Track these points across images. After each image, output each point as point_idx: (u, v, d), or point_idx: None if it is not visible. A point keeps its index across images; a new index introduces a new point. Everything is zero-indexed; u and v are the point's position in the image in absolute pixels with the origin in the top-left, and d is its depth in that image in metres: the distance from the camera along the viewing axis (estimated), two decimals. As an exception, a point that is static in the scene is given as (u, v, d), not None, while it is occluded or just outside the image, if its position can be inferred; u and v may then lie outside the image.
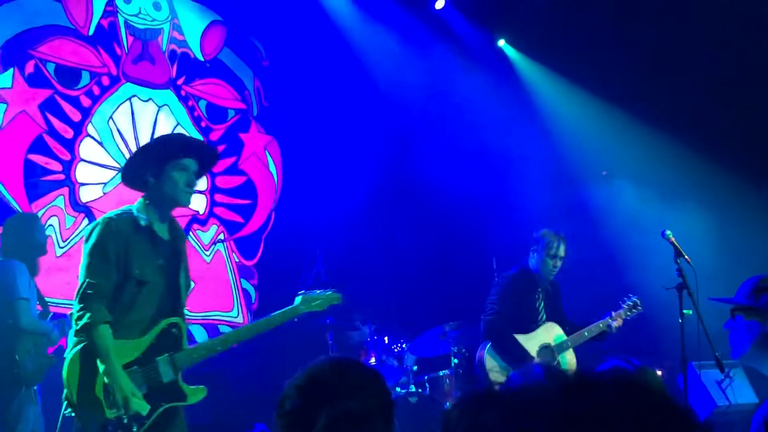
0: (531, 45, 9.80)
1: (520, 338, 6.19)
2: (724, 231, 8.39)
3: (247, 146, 8.50)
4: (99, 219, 4.10)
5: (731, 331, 3.00)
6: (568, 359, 6.30)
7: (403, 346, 7.47)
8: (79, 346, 3.88)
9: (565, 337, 6.31)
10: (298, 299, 4.65)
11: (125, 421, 3.79)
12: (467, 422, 0.74)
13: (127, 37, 7.83)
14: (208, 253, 8.00)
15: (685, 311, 5.44)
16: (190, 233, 7.88)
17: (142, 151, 4.25)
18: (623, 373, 0.75)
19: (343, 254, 8.12)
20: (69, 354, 3.91)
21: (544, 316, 6.41)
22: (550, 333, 6.35)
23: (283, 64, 8.66)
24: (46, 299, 6.11)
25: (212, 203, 8.11)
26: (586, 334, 6.26)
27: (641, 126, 9.05)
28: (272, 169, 8.62)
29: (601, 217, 8.87)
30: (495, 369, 6.15)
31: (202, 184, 8.08)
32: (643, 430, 0.69)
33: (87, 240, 4.01)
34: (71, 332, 3.94)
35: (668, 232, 5.78)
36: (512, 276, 6.45)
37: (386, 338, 7.51)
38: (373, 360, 7.26)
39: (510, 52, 10.03)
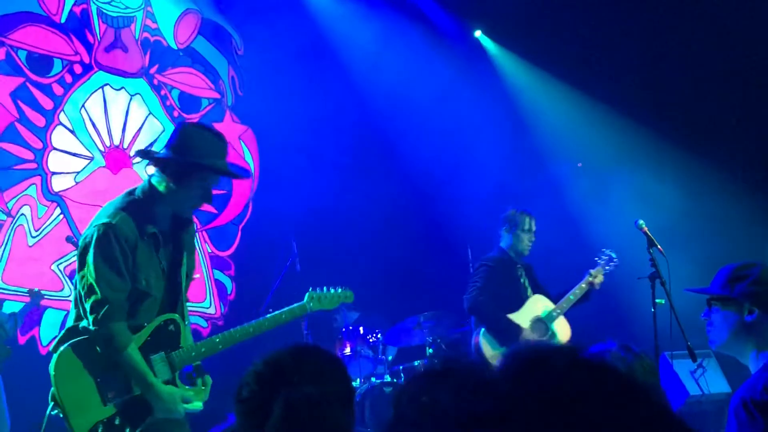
0: (507, 36, 9.80)
1: (511, 317, 6.19)
2: (696, 216, 8.46)
3: (221, 136, 8.43)
4: (97, 225, 3.67)
5: (708, 322, 3.01)
6: (560, 328, 6.32)
7: (378, 336, 7.46)
8: (66, 344, 3.66)
9: (552, 306, 6.33)
10: (307, 296, 4.47)
11: (117, 422, 3.61)
12: (419, 400, 0.71)
13: (99, 25, 7.74)
14: (180, 243, 7.93)
15: (657, 301, 5.47)
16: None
17: (188, 146, 3.73)
18: (583, 354, 0.73)
19: (317, 244, 8.10)
20: (57, 351, 3.68)
21: (530, 292, 6.43)
22: (538, 305, 6.36)
23: (258, 53, 8.60)
24: (16, 289, 6.05)
25: (185, 193, 8.04)
26: (571, 297, 6.28)
27: (615, 115, 9.10)
28: (248, 158, 8.56)
29: (575, 206, 8.90)
30: (494, 356, 6.16)
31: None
32: (598, 413, 0.66)
33: (87, 249, 3.65)
34: (63, 331, 3.75)
35: (641, 221, 5.81)
36: (491, 258, 6.46)
37: (361, 328, 7.50)
38: (348, 350, 7.25)
39: (486, 42, 10.03)
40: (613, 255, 6.50)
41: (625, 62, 8.94)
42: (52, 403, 3.67)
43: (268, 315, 4.24)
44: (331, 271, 7.99)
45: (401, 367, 7.20)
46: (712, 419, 7.18)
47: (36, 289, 6.60)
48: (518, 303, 6.29)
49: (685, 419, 0.76)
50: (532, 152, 9.47)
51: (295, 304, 4.35)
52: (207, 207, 8.21)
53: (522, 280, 6.45)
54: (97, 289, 3.59)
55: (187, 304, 4.03)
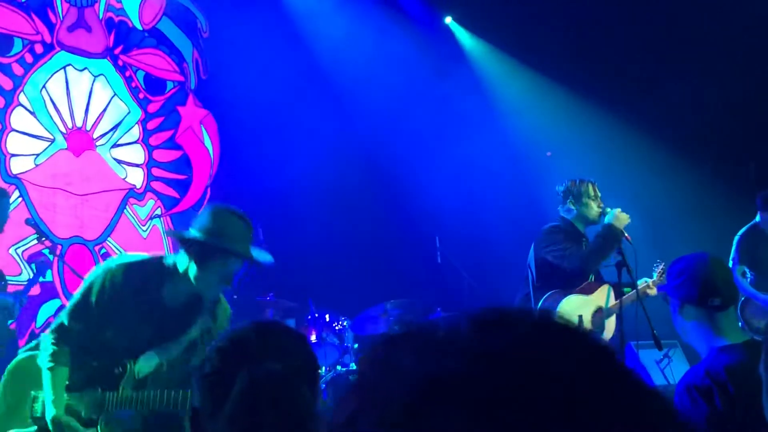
0: (478, 23, 9.77)
1: (577, 300, 5.79)
2: (669, 206, 8.49)
3: (183, 120, 8.30)
4: (102, 266, 3.73)
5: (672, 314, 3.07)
6: (609, 326, 5.87)
7: (344, 323, 7.42)
8: (27, 352, 3.76)
9: (612, 302, 5.86)
10: None
11: None
12: (381, 363, 0.70)
13: (62, 4, 7.57)
14: (144, 228, 7.81)
15: (624, 289, 5.45)
16: (127, 208, 7.68)
17: (215, 229, 3.62)
18: (547, 313, 0.70)
19: (283, 231, 8.01)
20: (18, 356, 3.79)
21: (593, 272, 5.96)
22: (604, 295, 5.91)
23: (223, 37, 8.46)
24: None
25: (149, 177, 7.91)
26: (629, 300, 5.66)
27: (585, 104, 9.10)
28: (208, 144, 8.43)
29: (544, 194, 8.88)
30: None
31: (140, 156, 7.89)
32: (557, 368, 0.65)
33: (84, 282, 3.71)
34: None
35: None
36: (562, 227, 5.96)
37: (327, 316, 7.45)
38: (313, 337, 7.19)
39: (456, 29, 9.98)
40: (665, 267, 5.87)
41: (595, 51, 8.93)
42: None
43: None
44: (296, 259, 7.95)
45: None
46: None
47: (42, 259, 6.51)
48: (580, 283, 5.82)
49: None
50: (503, 141, 9.44)
51: None
52: (170, 191, 8.17)
53: None
54: (65, 315, 3.68)
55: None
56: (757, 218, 7.07)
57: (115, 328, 3.66)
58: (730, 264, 7.13)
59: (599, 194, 6.02)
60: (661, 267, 6.01)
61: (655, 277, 5.99)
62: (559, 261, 5.75)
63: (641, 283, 5.81)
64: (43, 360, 3.60)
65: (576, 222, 5.98)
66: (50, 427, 3.55)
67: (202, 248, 3.61)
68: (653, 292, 5.85)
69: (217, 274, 3.64)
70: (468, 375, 0.65)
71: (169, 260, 3.73)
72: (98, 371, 3.68)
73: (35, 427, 3.65)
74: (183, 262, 3.66)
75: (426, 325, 0.72)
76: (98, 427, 3.64)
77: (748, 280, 7.00)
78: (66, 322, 3.65)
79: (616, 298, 5.81)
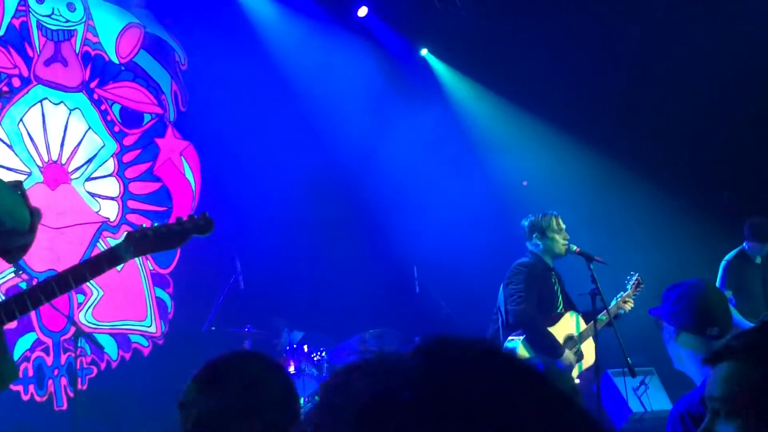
0: (453, 55, 9.87)
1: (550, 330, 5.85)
2: (641, 233, 8.56)
3: (162, 152, 8.30)
4: None
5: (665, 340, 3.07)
6: (587, 350, 5.92)
7: (323, 354, 7.39)
8: None
9: (583, 326, 5.97)
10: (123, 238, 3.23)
11: None
12: (336, 385, 0.78)
13: (39, 38, 7.59)
14: (120, 261, 7.77)
15: (599, 317, 5.49)
16: (101, 241, 7.66)
17: None
18: (489, 342, 0.77)
19: (262, 262, 8.01)
20: None
21: (561, 303, 6.06)
22: (572, 323, 6.01)
23: (202, 69, 8.50)
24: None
25: (125, 210, 7.89)
26: (603, 318, 5.73)
27: (560, 134, 9.19)
28: (189, 175, 8.43)
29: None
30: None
31: (114, 189, 7.87)
32: (488, 390, 0.72)
33: None
34: None
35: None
36: (529, 263, 6.03)
37: (306, 347, 7.42)
38: (292, 368, 7.16)
39: (432, 61, 10.08)
40: (640, 278, 6.16)
41: (571, 81, 9.04)
42: None
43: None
44: (275, 289, 7.95)
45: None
46: (655, 436, 7.24)
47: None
48: (549, 316, 5.92)
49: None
50: (480, 171, 9.52)
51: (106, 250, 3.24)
52: (148, 223, 8.11)
53: (556, 288, 6.07)
54: None
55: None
56: (744, 245, 7.20)
57: None
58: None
59: (563, 226, 6.09)
60: (635, 278, 6.10)
61: (629, 290, 6.07)
62: (509, 302, 5.85)
63: (616, 300, 5.89)
64: None
65: (544, 256, 6.07)
66: None
67: None
68: (629, 305, 5.94)
69: None
70: (410, 395, 0.72)
71: None
72: None
73: None
74: None
75: (380, 352, 0.81)
76: None
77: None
78: None
79: (586, 323, 5.89)
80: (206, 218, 3.37)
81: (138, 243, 3.17)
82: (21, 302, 2.98)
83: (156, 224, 3.25)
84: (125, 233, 3.25)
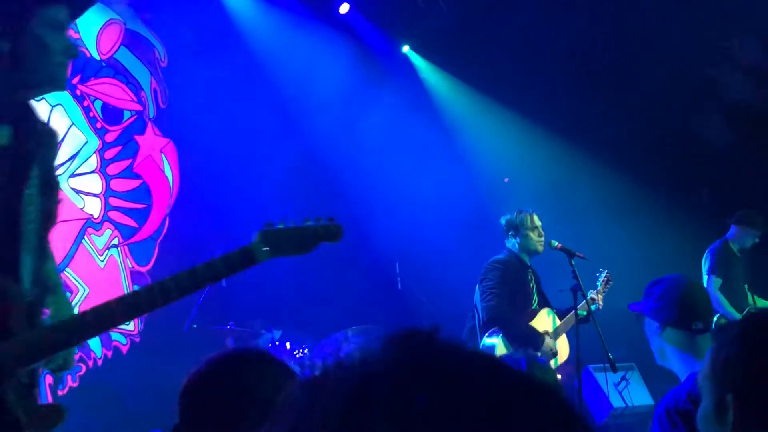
0: (435, 51, 9.88)
1: None
2: (621, 233, 8.61)
3: (142, 149, 8.25)
4: None
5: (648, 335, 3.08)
6: (561, 345, 6.03)
7: (306, 351, 7.38)
8: None
9: (558, 323, 6.05)
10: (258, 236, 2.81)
11: None
12: (302, 380, 0.77)
13: (19, 34, 7.51)
14: (102, 258, 7.74)
15: (579, 313, 5.52)
16: (85, 238, 7.62)
17: None
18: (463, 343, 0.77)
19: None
20: None
21: (537, 300, 6.13)
22: (548, 320, 6.09)
23: (182, 65, 8.45)
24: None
25: (107, 207, 7.85)
26: (574, 318, 5.82)
27: (541, 131, 9.23)
28: (168, 172, 8.38)
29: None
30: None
31: (97, 186, 7.83)
32: (457, 379, 0.72)
33: None
34: None
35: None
36: (505, 260, 6.09)
37: (288, 344, 7.41)
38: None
39: (414, 57, 10.08)
40: (609, 275, 6.25)
41: (550, 78, 9.07)
42: None
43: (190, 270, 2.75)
44: (256, 287, 7.92)
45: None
46: (636, 431, 7.28)
47: None
48: (526, 309, 5.99)
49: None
50: (461, 167, 9.53)
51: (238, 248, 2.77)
52: (128, 220, 8.12)
53: (531, 285, 6.14)
54: None
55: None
56: (728, 234, 7.25)
57: None
58: (705, 275, 7.30)
59: (539, 224, 6.13)
60: (605, 275, 6.16)
61: (600, 287, 6.13)
62: (482, 299, 5.90)
63: (588, 295, 5.93)
64: None
65: (521, 254, 6.12)
66: None
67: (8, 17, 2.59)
68: (599, 300, 5.99)
69: (53, 40, 2.65)
70: (387, 389, 0.71)
71: None
72: None
73: None
74: None
75: (356, 348, 0.79)
76: None
77: None
78: None
79: (561, 320, 5.94)
80: (337, 225, 2.95)
81: (274, 243, 2.82)
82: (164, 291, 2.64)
83: (283, 224, 2.86)
84: (259, 231, 2.83)
